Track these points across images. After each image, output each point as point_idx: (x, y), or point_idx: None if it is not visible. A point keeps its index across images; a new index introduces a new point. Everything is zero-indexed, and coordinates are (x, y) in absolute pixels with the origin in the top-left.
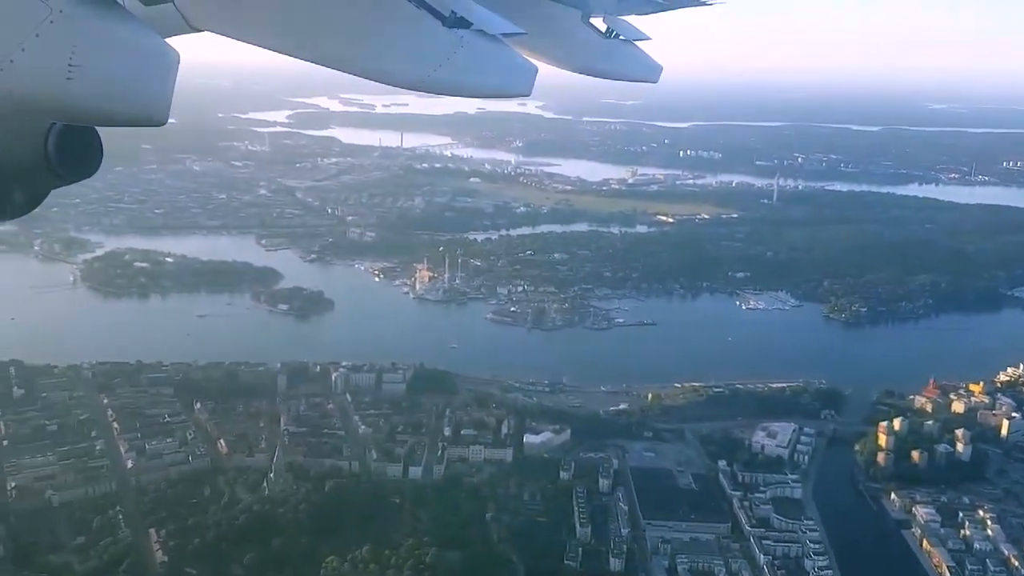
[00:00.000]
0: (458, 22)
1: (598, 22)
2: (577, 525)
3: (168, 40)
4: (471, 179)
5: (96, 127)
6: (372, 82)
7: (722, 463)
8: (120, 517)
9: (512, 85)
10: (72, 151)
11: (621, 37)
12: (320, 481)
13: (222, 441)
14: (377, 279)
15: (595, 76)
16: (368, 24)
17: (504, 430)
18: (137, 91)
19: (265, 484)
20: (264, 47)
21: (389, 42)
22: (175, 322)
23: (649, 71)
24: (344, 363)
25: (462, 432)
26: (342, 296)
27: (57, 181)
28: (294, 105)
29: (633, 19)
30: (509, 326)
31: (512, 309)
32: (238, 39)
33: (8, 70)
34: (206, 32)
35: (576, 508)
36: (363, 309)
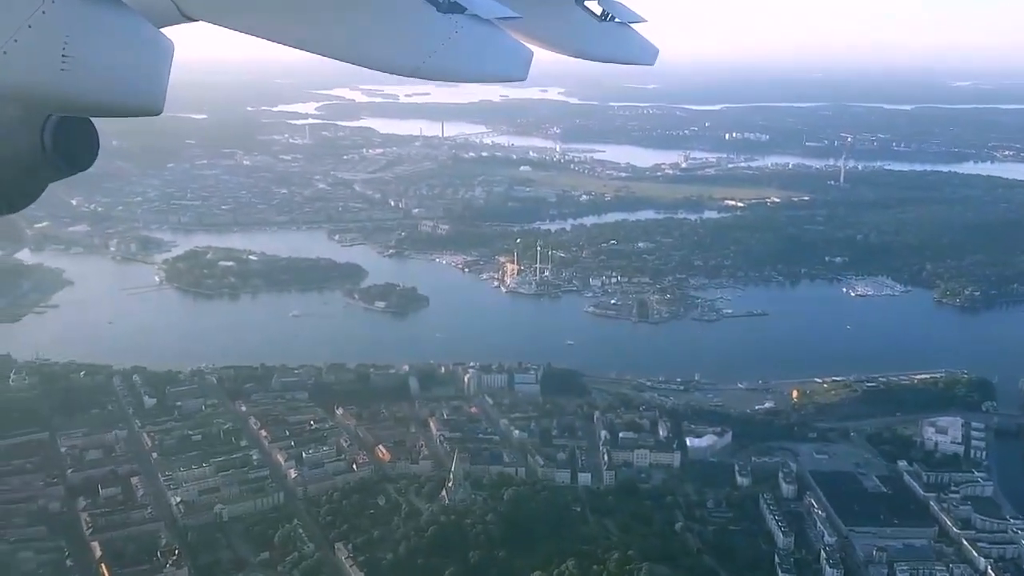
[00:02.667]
0: (452, 7)
1: (593, 5)
2: (779, 534)
3: (163, 30)
4: (521, 168)
5: (92, 118)
6: (383, 73)
7: (902, 463)
8: (300, 531)
9: (507, 70)
10: (69, 143)
11: (616, 20)
12: (496, 489)
13: (381, 448)
14: (462, 273)
15: (591, 59)
16: (361, 11)
17: (662, 432)
18: (132, 81)
19: (444, 494)
20: (257, 36)
21: (383, 29)
22: (273, 322)
23: (645, 54)
24: (471, 364)
25: (620, 436)
26: (434, 291)
27: (55, 173)
28: (318, 97)
29: (628, 1)
30: (613, 319)
31: (612, 302)
32: (231, 28)
33: (1, 62)
34: (200, 21)
35: (769, 515)
36: (459, 305)
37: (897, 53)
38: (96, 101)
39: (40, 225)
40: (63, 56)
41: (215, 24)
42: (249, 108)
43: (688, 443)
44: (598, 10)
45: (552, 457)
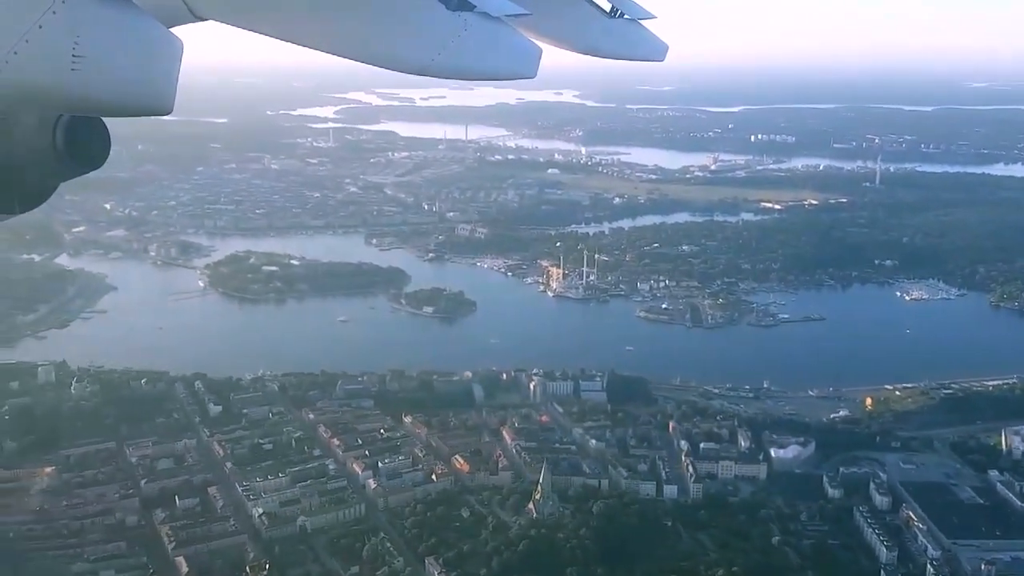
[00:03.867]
0: (461, 4)
1: (602, 1)
2: (881, 548)
3: (173, 30)
4: (549, 170)
5: (103, 118)
6: (401, 74)
7: (993, 473)
8: (388, 544)
9: (517, 68)
10: (81, 142)
11: (626, 16)
12: (582, 502)
13: (458, 458)
14: (505, 277)
15: (600, 56)
16: (370, 10)
17: (743, 443)
18: (142, 80)
19: (531, 506)
20: (266, 35)
21: (391, 27)
22: (322, 328)
23: (654, 50)
24: (534, 371)
25: (702, 446)
26: (480, 296)
27: (66, 173)
28: (335, 101)
29: None
30: (667, 324)
31: (664, 306)
32: (241, 27)
33: (12, 62)
34: (210, 21)
35: (867, 528)
36: (507, 310)
37: (903, 54)
38: (107, 100)
39: (77, 230)
40: (74, 56)
41: (225, 23)
42: (269, 112)
43: (772, 454)
44: (607, 6)
45: (633, 468)
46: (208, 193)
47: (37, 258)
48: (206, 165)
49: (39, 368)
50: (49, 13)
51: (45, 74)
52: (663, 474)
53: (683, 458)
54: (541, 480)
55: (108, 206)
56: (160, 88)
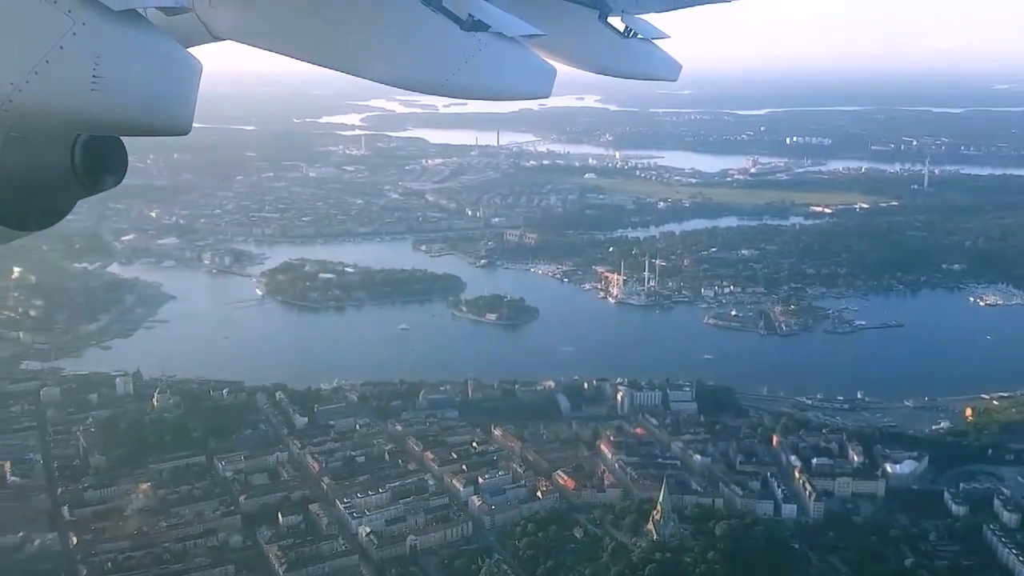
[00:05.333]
0: (476, 25)
1: (616, 21)
2: (1022, 568)
3: (191, 50)
4: (586, 175)
5: (121, 137)
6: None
7: None
8: (504, 567)
9: (531, 87)
10: (98, 161)
11: (639, 36)
12: (701, 523)
13: (561, 474)
14: (561, 283)
15: (614, 76)
16: (386, 30)
17: (854, 457)
18: (161, 101)
19: (651, 527)
20: (284, 55)
21: (407, 48)
22: (386, 336)
23: (668, 69)
24: (617, 380)
25: (815, 462)
26: (541, 303)
27: (84, 191)
28: (358, 109)
29: (651, 17)
30: (739, 332)
31: (733, 313)
32: (259, 47)
33: (33, 82)
34: (228, 41)
35: (1002, 548)
36: (570, 317)
37: (919, 57)
38: (125, 120)
39: (127, 238)
40: (94, 76)
41: (243, 43)
42: (295, 120)
43: (888, 469)
44: (621, 26)
45: (744, 485)
46: (251, 201)
47: (90, 267)
48: (244, 173)
49: (116, 379)
50: (69, 34)
51: (65, 94)
52: (778, 492)
53: (796, 475)
54: (661, 500)
55: (154, 214)
56: (178, 108)
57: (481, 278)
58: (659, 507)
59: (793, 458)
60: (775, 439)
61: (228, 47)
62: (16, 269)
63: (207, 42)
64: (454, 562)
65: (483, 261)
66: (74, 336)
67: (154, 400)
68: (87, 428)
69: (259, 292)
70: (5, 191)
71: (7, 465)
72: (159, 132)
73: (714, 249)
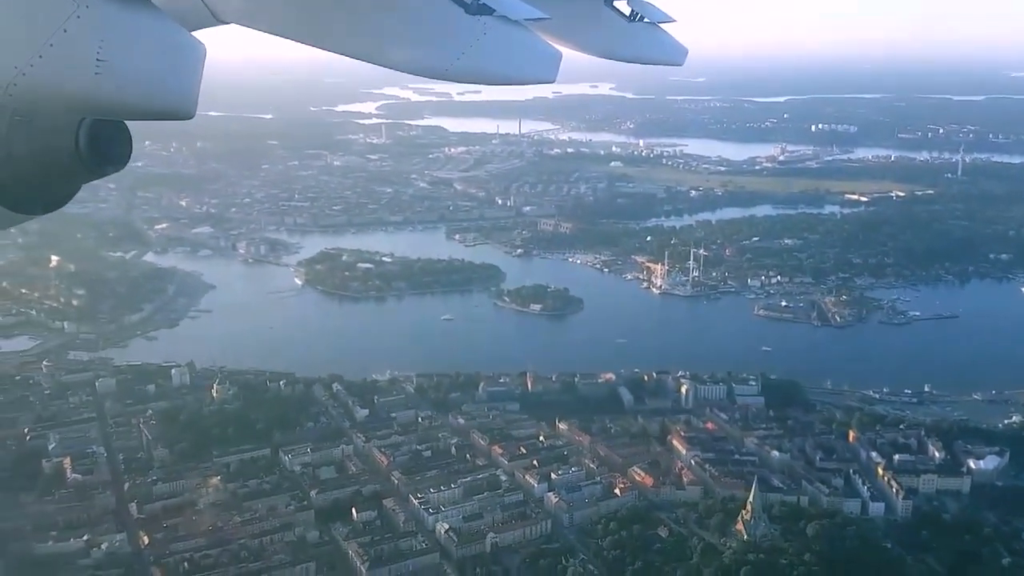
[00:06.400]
0: (480, 9)
1: (622, 5)
2: None
3: (195, 33)
4: (612, 163)
5: (125, 121)
6: (412, 75)
7: None
8: (591, 567)
9: (536, 72)
10: (102, 145)
11: (645, 20)
12: (791, 522)
13: (637, 470)
14: (602, 273)
15: (619, 60)
16: (390, 14)
17: (935, 453)
18: (165, 85)
19: (740, 527)
20: (288, 38)
21: (411, 32)
22: (430, 327)
23: (674, 54)
24: (679, 373)
25: (896, 458)
26: (584, 293)
27: (88, 175)
28: (372, 97)
29: (657, 0)
30: (791, 323)
31: (783, 304)
32: (263, 31)
33: (37, 65)
34: (232, 24)
35: None
36: (616, 307)
37: (929, 45)
38: (129, 104)
39: (160, 227)
40: (97, 60)
41: (247, 27)
42: (312, 108)
43: (972, 465)
44: (627, 10)
45: (828, 482)
46: (280, 190)
47: (126, 256)
48: (269, 162)
49: (172, 370)
50: (74, 18)
51: (69, 78)
52: (864, 490)
53: (880, 472)
54: (751, 499)
55: (184, 203)
56: (183, 92)
57: (519, 268)
58: (749, 506)
59: (874, 455)
60: (852, 435)
61: (233, 31)
62: (54, 257)
63: (212, 25)
64: (537, 561)
65: (519, 251)
66: (119, 326)
67: (213, 391)
68: (148, 420)
69: (298, 282)
70: (10, 175)
71: (68, 460)
72: (163, 116)
73: (756, 238)
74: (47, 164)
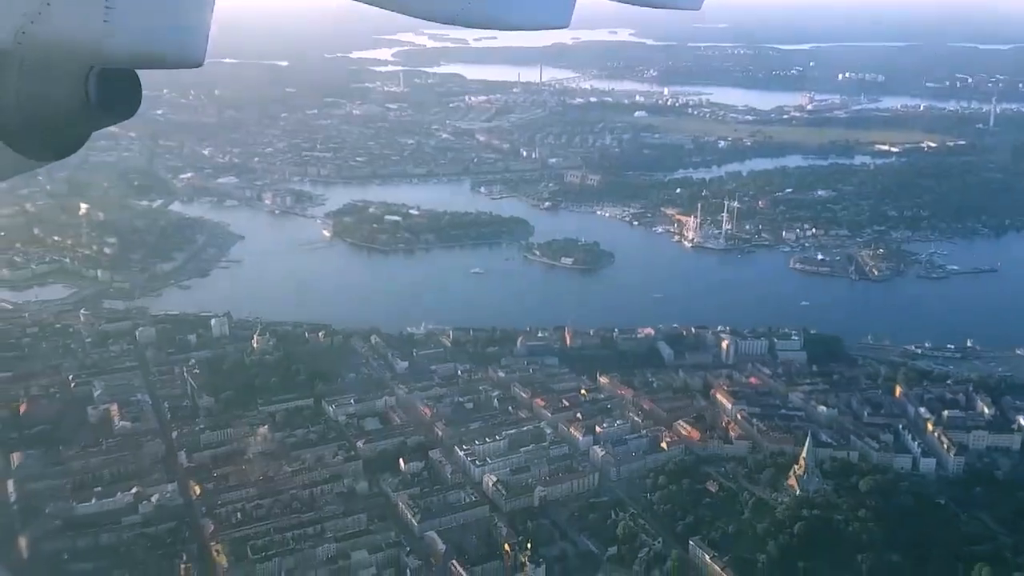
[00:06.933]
0: None
1: None
2: None
3: None
4: (636, 113)
5: (135, 69)
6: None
7: None
8: (641, 521)
9: (549, 17)
10: (113, 93)
11: None
12: (843, 477)
13: (683, 425)
14: (631, 226)
15: (634, 4)
16: None
17: (984, 409)
18: (173, 33)
19: (793, 482)
20: None
21: None
22: (461, 280)
23: None
24: (719, 328)
25: (945, 414)
26: (615, 247)
27: (98, 123)
28: (387, 43)
29: None
30: (827, 277)
31: (820, 257)
32: None
33: (46, 14)
34: None
35: None
36: (649, 261)
37: None
38: (138, 53)
39: (185, 176)
40: (106, 7)
41: None
42: (327, 55)
43: (1022, 422)
44: None
45: (877, 438)
46: (301, 140)
47: (153, 205)
48: (288, 111)
49: (211, 320)
50: None
51: (77, 27)
52: (915, 446)
53: (929, 427)
54: (804, 454)
55: (207, 152)
56: (191, 41)
57: (547, 221)
58: (802, 461)
59: (922, 410)
60: (898, 390)
61: None
62: (83, 206)
63: None
64: (587, 515)
65: (547, 204)
66: (151, 275)
67: (253, 342)
68: (191, 369)
69: (327, 234)
70: (22, 122)
71: (115, 408)
72: (172, 65)
73: (789, 190)
74: (57, 112)
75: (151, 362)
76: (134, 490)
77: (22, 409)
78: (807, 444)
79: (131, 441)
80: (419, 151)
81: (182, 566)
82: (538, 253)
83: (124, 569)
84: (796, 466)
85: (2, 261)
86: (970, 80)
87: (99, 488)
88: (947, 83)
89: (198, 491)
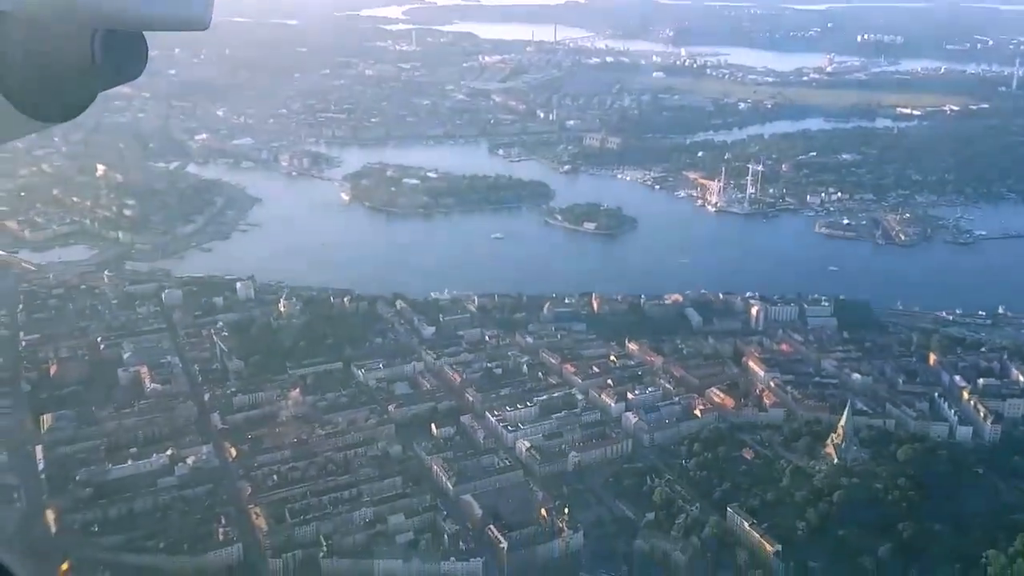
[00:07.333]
0: None
1: None
2: None
3: None
4: (654, 74)
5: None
6: None
7: None
8: (678, 488)
9: None
10: (118, 54)
11: None
12: (880, 446)
13: (716, 392)
14: (652, 190)
15: None
16: None
17: (1019, 377)
18: None
19: (831, 450)
20: None
21: None
22: (483, 245)
23: None
24: (748, 294)
25: (980, 382)
26: (637, 211)
27: (104, 84)
28: (398, 0)
29: None
30: (855, 242)
31: (845, 222)
32: None
33: None
34: None
35: None
36: (672, 226)
37: None
38: (143, 15)
39: (200, 137)
40: None
41: None
42: (336, 13)
43: None
44: None
45: (911, 405)
46: (315, 100)
47: (169, 167)
48: (301, 71)
49: (237, 284)
50: None
51: None
52: (950, 414)
53: (965, 395)
54: (843, 422)
55: (221, 113)
56: (197, 2)
57: (567, 185)
58: (840, 429)
59: (957, 378)
60: (932, 358)
61: None
62: (100, 167)
63: None
64: (622, 481)
65: (566, 167)
66: (173, 237)
67: (280, 306)
68: (219, 332)
69: (345, 197)
70: (26, 82)
71: (145, 369)
72: (177, 27)
73: (813, 153)
74: (63, 72)
75: (178, 324)
76: (169, 452)
77: (52, 371)
78: (846, 412)
79: (163, 403)
80: (434, 112)
81: (221, 529)
82: (559, 218)
83: (164, 531)
84: (834, 434)
85: (23, 222)
86: (991, 42)
87: (134, 450)
88: (967, 45)
89: (233, 453)
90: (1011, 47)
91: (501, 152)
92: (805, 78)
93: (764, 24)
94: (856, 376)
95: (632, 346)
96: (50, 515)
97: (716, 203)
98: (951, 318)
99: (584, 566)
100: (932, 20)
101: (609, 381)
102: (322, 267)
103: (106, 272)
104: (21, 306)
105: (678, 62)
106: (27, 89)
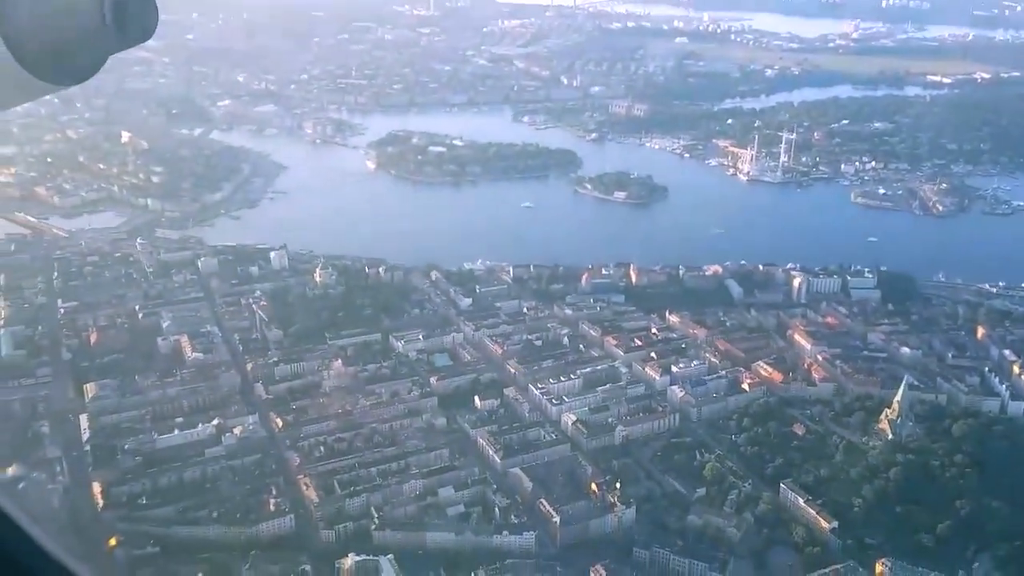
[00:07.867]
0: None
1: None
2: None
3: None
4: (677, 39)
5: None
6: None
7: None
8: (729, 463)
9: None
10: (128, 15)
11: None
12: (934, 421)
13: (763, 366)
14: (682, 158)
15: None
16: None
17: None
18: None
19: (885, 426)
20: None
21: None
22: (512, 215)
23: None
24: (789, 266)
25: None
26: (668, 180)
27: (115, 46)
28: None
29: None
30: (891, 212)
31: (881, 191)
32: None
33: None
34: None
35: None
36: (704, 195)
37: None
38: None
39: (222, 103)
40: None
41: None
42: None
43: None
44: None
45: (962, 379)
46: (335, 66)
47: (194, 133)
48: (319, 36)
49: (271, 253)
50: None
51: None
52: (1002, 388)
53: (1015, 370)
54: (899, 397)
55: (241, 79)
56: None
57: (595, 153)
58: (896, 405)
59: (1007, 352)
60: (981, 331)
61: None
62: (125, 133)
63: None
64: (671, 456)
65: (593, 134)
66: (202, 205)
67: (316, 276)
68: (257, 301)
69: (371, 165)
70: (38, 45)
71: (185, 339)
72: None
73: (845, 122)
74: (74, 34)
75: (216, 293)
76: (216, 422)
77: (92, 339)
78: (902, 388)
79: (206, 372)
80: (456, 78)
81: (272, 500)
82: (589, 187)
83: (215, 502)
84: (888, 409)
85: (52, 188)
86: (1019, 8)
87: (180, 419)
88: (995, 11)
89: (280, 424)
90: None
91: (526, 119)
92: (831, 44)
93: None
94: (905, 350)
95: (673, 318)
96: (96, 488)
97: (748, 172)
98: (995, 291)
99: (637, 541)
100: None
101: (652, 354)
102: (352, 236)
103: (138, 240)
104: (56, 273)
105: (701, 27)
106: (39, 52)
